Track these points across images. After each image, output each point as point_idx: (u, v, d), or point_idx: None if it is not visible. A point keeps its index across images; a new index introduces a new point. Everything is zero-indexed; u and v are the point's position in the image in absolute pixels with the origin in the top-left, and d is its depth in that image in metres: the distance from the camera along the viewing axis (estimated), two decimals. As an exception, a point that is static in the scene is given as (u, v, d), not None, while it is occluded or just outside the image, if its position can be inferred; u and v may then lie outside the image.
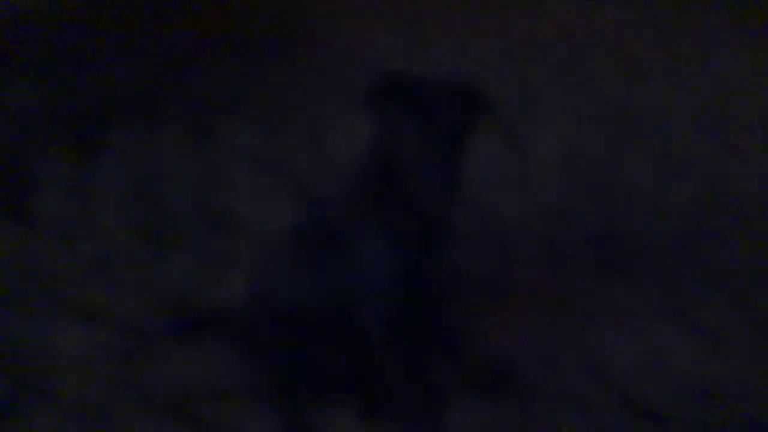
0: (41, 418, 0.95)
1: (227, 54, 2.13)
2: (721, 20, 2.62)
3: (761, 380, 1.04)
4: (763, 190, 1.62)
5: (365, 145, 0.94)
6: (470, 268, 1.29)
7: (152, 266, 1.25)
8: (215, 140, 1.67)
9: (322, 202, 1.02)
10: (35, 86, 1.88)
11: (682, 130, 1.87)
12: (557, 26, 2.53)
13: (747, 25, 2.55)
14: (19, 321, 1.11)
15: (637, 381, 1.04)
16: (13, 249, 1.27)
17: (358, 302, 0.96)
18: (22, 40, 2.13)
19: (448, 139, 0.90)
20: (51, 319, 1.12)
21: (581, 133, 1.84)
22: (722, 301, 1.22)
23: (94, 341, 1.07)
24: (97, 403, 0.97)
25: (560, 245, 1.36)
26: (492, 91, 0.94)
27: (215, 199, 1.46)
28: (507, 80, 2.05)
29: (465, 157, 0.92)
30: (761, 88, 2.11)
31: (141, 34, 2.24)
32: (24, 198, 1.42)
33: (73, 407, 0.96)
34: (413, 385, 0.98)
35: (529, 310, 1.19)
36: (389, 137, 0.91)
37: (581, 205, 1.52)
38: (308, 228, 0.98)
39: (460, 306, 1.14)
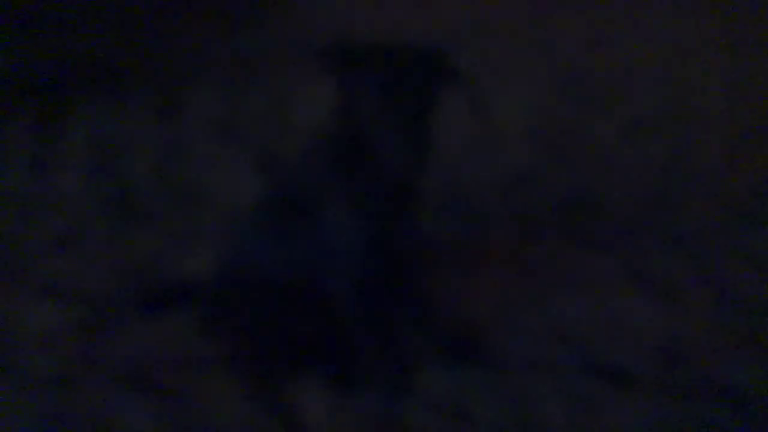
0: (5, 393, 0.95)
1: (192, 22, 2.09)
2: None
3: (719, 340, 1.06)
4: (722, 153, 1.62)
5: (331, 114, 0.94)
6: (437, 234, 1.29)
7: (117, 239, 1.24)
8: (180, 110, 1.65)
9: (289, 172, 1.02)
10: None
11: (644, 95, 1.87)
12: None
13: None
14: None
15: (600, 343, 1.06)
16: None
17: (327, 271, 0.95)
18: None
19: (414, 106, 0.90)
20: (14, 294, 1.11)
21: (547, 99, 1.84)
22: (682, 264, 1.23)
23: (58, 316, 1.07)
24: (62, 378, 0.97)
25: (526, 210, 1.37)
26: (458, 58, 0.94)
27: (180, 170, 1.44)
28: (472, 48, 2.02)
29: (431, 124, 0.92)
30: (721, 53, 2.08)
31: (104, 2, 2.18)
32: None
33: (37, 382, 0.96)
34: (383, 351, 0.98)
35: (496, 275, 1.20)
36: (355, 105, 0.91)
37: (547, 171, 1.53)
38: (274, 198, 0.98)
39: (428, 272, 1.14)
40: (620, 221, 1.38)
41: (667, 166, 1.57)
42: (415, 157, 0.90)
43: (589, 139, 1.68)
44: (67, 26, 2.06)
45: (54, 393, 0.95)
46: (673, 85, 1.93)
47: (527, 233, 1.31)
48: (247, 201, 1.09)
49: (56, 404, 0.94)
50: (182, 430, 0.90)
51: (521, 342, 1.06)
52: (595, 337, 1.07)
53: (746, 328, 1.08)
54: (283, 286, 0.97)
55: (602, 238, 1.32)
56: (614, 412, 0.95)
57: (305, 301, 0.98)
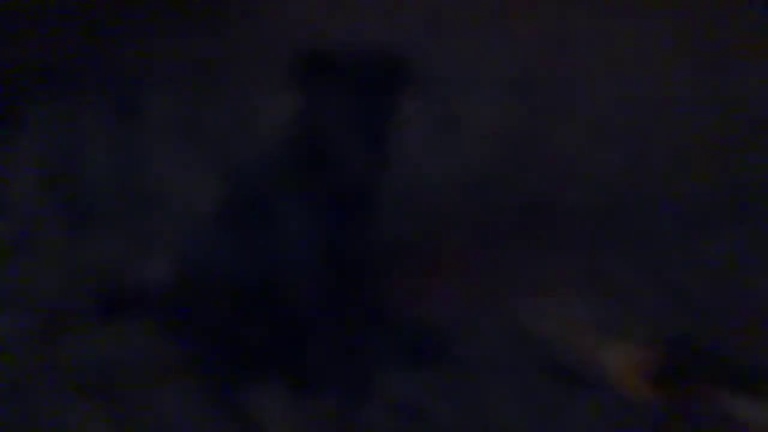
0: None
1: (151, 23, 2.04)
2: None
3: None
4: (681, 159, 1.63)
5: (291, 118, 0.94)
6: (396, 236, 1.29)
7: (74, 246, 1.22)
8: (138, 114, 1.62)
9: (248, 176, 1.02)
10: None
11: (606, 100, 1.88)
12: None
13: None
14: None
15: (558, 347, 1.06)
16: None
17: (286, 276, 0.95)
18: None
19: (375, 109, 0.90)
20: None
21: (510, 102, 1.83)
22: (639, 268, 1.25)
23: (11, 324, 1.05)
24: (16, 386, 0.95)
25: (486, 213, 1.38)
26: (420, 61, 0.95)
27: (138, 174, 1.41)
28: (434, 49, 2.02)
29: (392, 128, 0.93)
30: (686, 58, 2.13)
31: (61, 1, 2.11)
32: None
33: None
34: (341, 354, 0.98)
35: (455, 276, 1.20)
36: (315, 110, 0.91)
37: (507, 174, 1.53)
38: (234, 203, 0.98)
39: (387, 274, 1.15)
40: (580, 224, 1.38)
41: (627, 170, 1.57)
42: (376, 161, 0.91)
43: (549, 142, 1.68)
44: (23, 27, 2.00)
45: (8, 402, 0.94)
46: (637, 88, 1.95)
47: (487, 235, 1.31)
48: (206, 205, 1.07)
49: (11, 413, 0.92)
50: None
51: (480, 343, 1.06)
52: (554, 341, 1.06)
53: (700, 332, 1.07)
54: (241, 292, 0.97)
55: (562, 240, 1.33)
56: (573, 413, 0.95)
57: (263, 305, 0.98)
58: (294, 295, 0.97)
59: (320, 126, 0.92)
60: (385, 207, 1.00)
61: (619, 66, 2.09)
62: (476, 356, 1.04)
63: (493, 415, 0.95)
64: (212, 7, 2.20)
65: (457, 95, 1.82)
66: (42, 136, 1.53)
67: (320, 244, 0.94)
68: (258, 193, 0.98)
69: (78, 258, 1.19)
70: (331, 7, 2.27)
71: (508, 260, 1.24)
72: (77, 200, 1.33)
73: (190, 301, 0.98)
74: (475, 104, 1.80)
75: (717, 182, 1.51)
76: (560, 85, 1.95)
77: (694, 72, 2.04)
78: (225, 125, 1.65)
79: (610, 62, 2.11)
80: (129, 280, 1.14)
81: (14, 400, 0.94)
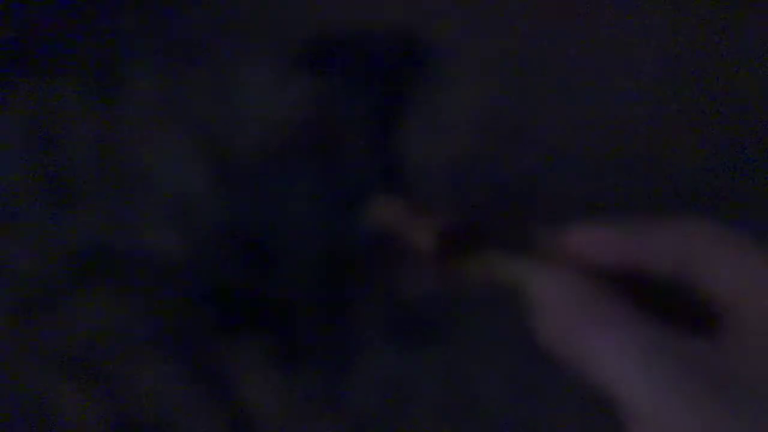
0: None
1: None
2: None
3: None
4: (662, 141, 1.62)
5: (284, 97, 0.92)
6: (388, 216, 1.27)
7: (54, 223, 1.20)
8: (119, 90, 1.57)
9: (237, 156, 1.01)
10: None
11: (592, 83, 1.88)
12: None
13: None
14: None
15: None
16: None
17: (276, 255, 0.94)
18: None
19: (379, 93, 0.88)
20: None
21: (498, 85, 1.82)
22: None
23: None
24: None
25: (473, 193, 1.36)
26: (421, 43, 0.93)
27: (120, 152, 1.39)
28: (423, 33, 2.00)
29: (396, 112, 0.90)
30: (676, 40, 2.11)
31: None
32: None
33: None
34: (329, 333, 0.97)
35: (444, 256, 1.18)
36: (312, 89, 0.89)
37: (492, 155, 1.50)
38: (221, 182, 0.97)
39: (375, 253, 1.11)
40: (563, 206, 1.39)
41: (609, 154, 1.57)
42: (377, 145, 0.89)
43: (536, 125, 1.68)
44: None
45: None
46: (620, 72, 1.94)
47: (473, 213, 1.31)
48: (190, 184, 1.06)
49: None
50: (121, 411, 0.88)
51: (467, 322, 1.05)
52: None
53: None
54: (229, 266, 0.96)
55: (545, 220, 1.32)
56: (560, 395, 0.94)
57: (251, 281, 0.97)
58: (283, 273, 0.95)
59: (317, 107, 0.90)
60: (380, 185, 0.99)
61: (611, 49, 2.14)
62: (464, 334, 1.02)
63: (479, 394, 0.93)
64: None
65: (447, 78, 1.82)
66: (20, 115, 1.49)
67: (312, 226, 0.93)
68: (247, 171, 0.96)
69: (59, 235, 1.17)
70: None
71: (493, 236, 1.22)
72: (58, 179, 1.31)
73: (175, 276, 0.97)
74: (466, 87, 1.79)
75: (703, 163, 1.50)
76: (548, 70, 1.98)
77: (683, 53, 2.06)
78: (212, 102, 1.66)
79: (601, 43, 2.13)
80: (110, 256, 1.12)
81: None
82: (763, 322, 0.24)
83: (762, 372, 0.24)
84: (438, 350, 1.01)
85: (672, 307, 0.27)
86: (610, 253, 0.28)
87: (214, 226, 0.97)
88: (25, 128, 1.52)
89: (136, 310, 1.00)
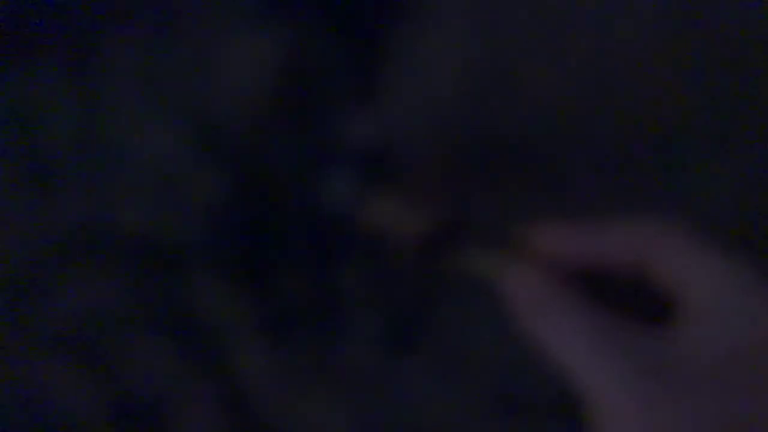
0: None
1: None
2: None
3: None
4: (647, 85, 1.63)
5: (266, 64, 0.91)
6: (378, 177, 1.28)
7: (38, 204, 1.17)
8: (96, 63, 1.58)
9: (219, 129, 1.00)
10: None
11: (578, 39, 1.87)
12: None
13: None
14: None
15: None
16: None
17: (263, 228, 0.92)
18: None
19: (362, 49, 0.87)
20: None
21: (482, 39, 1.80)
22: (606, 197, 1.26)
23: None
24: None
25: (454, 152, 1.36)
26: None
27: (101, 129, 1.34)
28: None
29: (377, 68, 0.90)
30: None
31: None
32: None
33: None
34: (316, 293, 0.95)
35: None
36: (294, 53, 0.88)
37: (477, 110, 1.50)
38: (203, 156, 0.96)
39: (360, 215, 1.13)
40: (548, 160, 1.39)
41: (595, 105, 1.57)
42: (359, 105, 0.88)
43: (521, 81, 1.67)
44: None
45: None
46: (605, 28, 1.93)
47: (455, 169, 1.30)
48: (172, 160, 1.06)
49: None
50: (114, 389, 0.89)
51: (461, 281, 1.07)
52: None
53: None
54: (214, 239, 0.95)
55: (531, 177, 1.33)
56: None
57: (235, 251, 0.98)
58: (273, 246, 0.95)
59: (298, 71, 0.89)
60: (359, 146, 0.98)
61: (592, 9, 2.12)
62: (451, 289, 1.02)
63: (475, 344, 0.93)
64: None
65: (428, 34, 1.81)
66: None
67: (296, 192, 0.93)
68: (230, 145, 0.96)
69: (43, 215, 1.15)
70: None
71: (475, 191, 1.22)
72: (39, 159, 1.30)
73: (162, 251, 0.97)
74: (448, 42, 1.78)
75: (692, 111, 1.50)
76: (533, 24, 1.96)
77: (668, 10, 2.05)
78: (193, 73, 1.63)
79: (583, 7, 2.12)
80: (97, 234, 1.12)
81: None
82: (712, 313, 0.26)
83: (711, 360, 0.25)
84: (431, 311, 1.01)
85: (628, 299, 0.29)
86: (571, 249, 0.29)
87: (199, 200, 0.96)
88: (3, 112, 1.51)
89: (125, 287, 1.00)
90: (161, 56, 1.60)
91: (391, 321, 0.96)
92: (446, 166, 1.31)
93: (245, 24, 1.43)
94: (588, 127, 1.46)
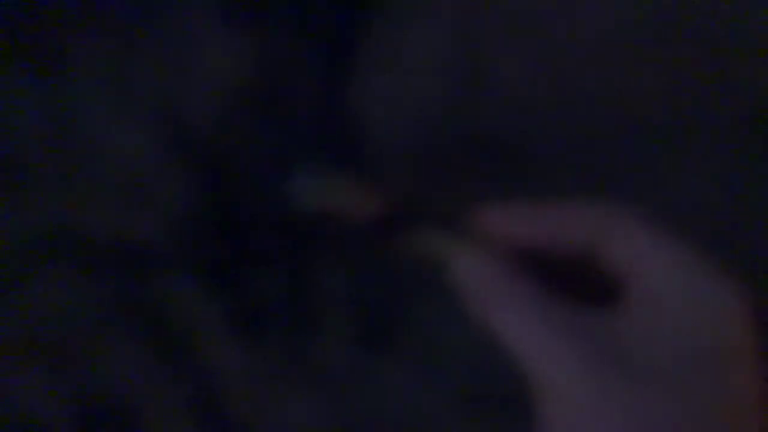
0: None
1: None
2: None
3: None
4: (614, 80, 1.64)
5: (236, 64, 0.90)
6: (356, 176, 1.28)
7: (7, 207, 1.15)
8: (66, 67, 1.57)
9: (188, 129, 0.99)
10: None
11: (557, 29, 1.87)
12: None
13: None
14: None
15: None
16: None
17: (234, 223, 0.92)
18: None
19: (332, 49, 0.87)
20: None
21: (456, 33, 1.80)
22: (597, 196, 1.27)
23: None
24: None
25: (438, 148, 1.36)
26: None
27: (70, 132, 1.33)
28: None
29: (352, 63, 0.90)
30: None
31: None
32: None
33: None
34: (288, 292, 0.95)
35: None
36: (266, 49, 0.87)
37: (455, 106, 1.51)
38: (172, 156, 0.96)
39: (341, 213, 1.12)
40: (534, 157, 1.39)
41: (582, 101, 1.57)
42: (333, 101, 0.88)
43: (498, 73, 1.68)
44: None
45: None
46: (576, 26, 1.93)
47: (440, 172, 1.30)
48: (144, 158, 1.05)
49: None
50: (84, 392, 0.88)
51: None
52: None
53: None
54: (188, 236, 0.94)
55: (516, 174, 1.33)
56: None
57: (207, 251, 0.98)
58: (245, 245, 0.94)
59: (272, 68, 0.89)
60: (343, 149, 0.98)
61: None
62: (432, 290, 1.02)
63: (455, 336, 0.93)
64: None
65: (408, 25, 1.80)
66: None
67: (270, 193, 0.92)
68: (203, 142, 0.95)
69: (13, 218, 1.15)
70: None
71: (457, 188, 1.23)
72: (8, 160, 1.29)
73: (134, 253, 0.96)
74: (422, 36, 1.78)
75: (658, 106, 1.52)
76: (505, 16, 1.96)
77: (636, 7, 2.06)
78: (164, 70, 1.61)
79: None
80: (68, 237, 1.10)
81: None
82: (661, 298, 0.26)
83: (659, 345, 0.26)
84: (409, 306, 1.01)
85: (579, 283, 0.29)
86: (521, 233, 0.30)
87: (169, 200, 0.96)
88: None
89: (94, 289, 0.99)
90: (131, 58, 1.59)
91: (364, 319, 0.96)
92: (415, 154, 1.31)
93: (215, 25, 1.42)
94: (557, 121, 1.47)
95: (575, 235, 0.29)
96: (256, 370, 0.92)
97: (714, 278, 0.26)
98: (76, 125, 1.36)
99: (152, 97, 1.45)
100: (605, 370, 0.25)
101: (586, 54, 1.70)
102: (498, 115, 1.50)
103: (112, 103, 1.42)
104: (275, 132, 0.92)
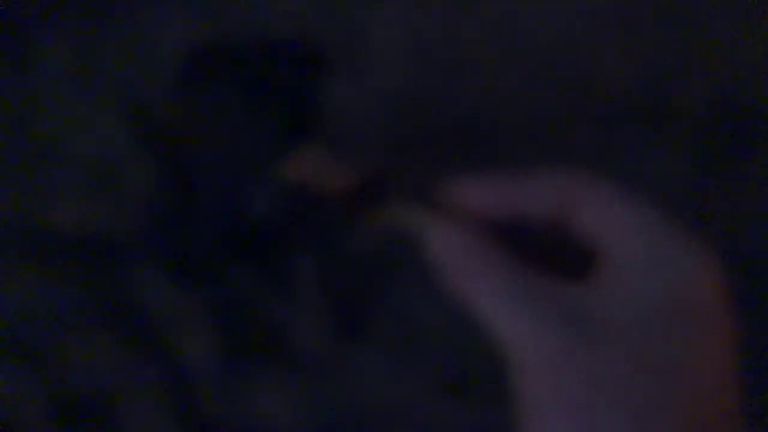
0: None
1: None
2: None
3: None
4: (600, 60, 1.64)
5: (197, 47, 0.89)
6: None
7: None
8: (28, 56, 1.55)
9: (153, 120, 0.97)
10: None
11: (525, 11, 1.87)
12: None
13: None
14: None
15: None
16: None
17: (198, 219, 0.91)
18: None
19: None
20: None
21: (425, 19, 1.80)
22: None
23: None
24: None
25: (412, 134, 1.36)
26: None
27: (34, 125, 1.31)
28: None
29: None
30: None
31: None
32: None
33: None
34: (263, 280, 0.93)
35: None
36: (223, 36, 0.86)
37: (429, 92, 1.51)
38: (139, 148, 0.94)
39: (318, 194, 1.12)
40: (509, 139, 1.39)
41: (552, 82, 1.58)
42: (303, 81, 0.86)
43: (473, 58, 1.68)
44: None
45: None
46: (549, 13, 1.93)
47: (416, 157, 1.30)
48: (107, 153, 1.03)
49: None
50: (61, 389, 0.87)
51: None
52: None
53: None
54: (152, 232, 0.93)
55: (491, 156, 1.33)
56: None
57: (174, 242, 0.97)
58: (213, 235, 0.93)
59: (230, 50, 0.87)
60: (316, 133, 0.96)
61: None
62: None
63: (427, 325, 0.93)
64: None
65: (374, 21, 1.79)
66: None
67: (239, 181, 0.91)
68: (165, 136, 0.94)
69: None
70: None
71: (441, 180, 1.22)
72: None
73: (99, 246, 0.95)
74: (392, 25, 1.77)
75: (634, 81, 1.52)
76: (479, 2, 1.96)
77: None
78: (125, 64, 1.59)
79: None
80: (33, 230, 1.08)
81: None
82: (632, 266, 0.26)
83: (629, 313, 0.26)
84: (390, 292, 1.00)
85: (550, 252, 0.29)
86: (492, 203, 0.30)
87: (137, 192, 0.94)
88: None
89: (65, 284, 0.98)
90: (94, 48, 1.56)
91: (339, 306, 0.96)
92: (386, 131, 1.30)
93: (176, 14, 1.40)
94: (530, 107, 1.47)
95: (545, 203, 0.29)
96: (230, 358, 0.91)
97: (680, 241, 0.26)
98: (43, 118, 1.34)
99: (116, 87, 1.43)
100: (573, 338, 0.25)
101: (556, 40, 1.71)
102: (471, 99, 1.50)
103: (78, 96, 1.40)
104: (243, 116, 0.91)
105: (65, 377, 0.88)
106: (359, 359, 0.92)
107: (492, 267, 0.27)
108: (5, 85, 1.46)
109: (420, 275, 1.01)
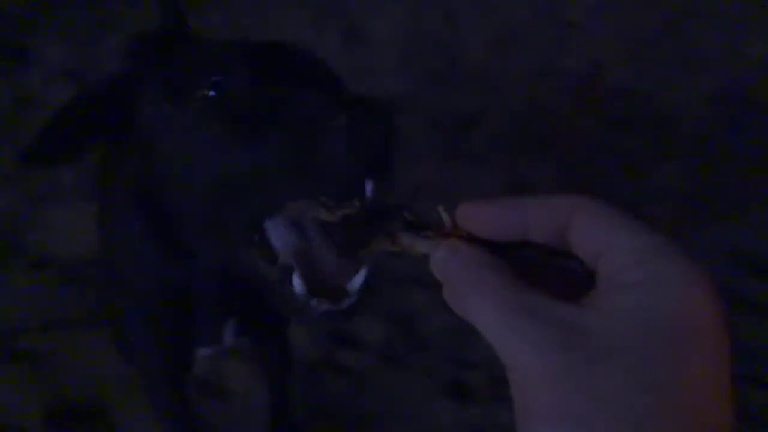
0: None
1: None
2: None
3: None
4: (589, 61, 1.64)
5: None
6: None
7: None
8: (25, 59, 1.54)
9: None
10: None
11: (514, 9, 1.88)
12: None
13: None
14: None
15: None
16: None
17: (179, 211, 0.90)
18: None
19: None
20: None
21: (418, 17, 1.84)
22: (556, 171, 1.29)
23: None
24: None
25: (406, 131, 1.37)
26: None
27: (30, 126, 1.34)
28: None
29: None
30: None
31: None
32: None
33: None
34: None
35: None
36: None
37: (420, 89, 1.54)
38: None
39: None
40: (496, 134, 1.40)
41: (538, 78, 1.58)
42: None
43: (460, 55, 1.68)
44: None
45: None
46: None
47: (408, 152, 1.30)
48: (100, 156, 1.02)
49: None
50: (52, 394, 0.86)
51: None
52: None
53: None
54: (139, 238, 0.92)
55: (479, 151, 1.34)
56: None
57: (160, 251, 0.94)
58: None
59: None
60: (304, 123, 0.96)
61: None
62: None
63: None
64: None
65: (369, 14, 1.81)
66: None
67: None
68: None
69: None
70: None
71: (432, 174, 1.24)
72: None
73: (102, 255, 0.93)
74: (386, 21, 1.79)
75: (626, 79, 1.52)
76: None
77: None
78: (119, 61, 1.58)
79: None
80: (26, 238, 1.08)
81: None
82: (628, 285, 0.27)
83: (625, 330, 0.26)
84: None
85: (550, 273, 0.30)
86: (494, 228, 0.30)
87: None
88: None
89: (58, 288, 0.97)
90: (88, 54, 1.56)
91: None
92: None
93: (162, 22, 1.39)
94: (508, 94, 1.46)
95: (545, 227, 0.29)
96: (227, 369, 0.90)
97: (676, 262, 0.26)
98: (36, 116, 1.33)
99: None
100: (572, 354, 0.25)
101: (536, 33, 1.70)
102: (459, 94, 1.50)
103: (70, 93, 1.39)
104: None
105: (60, 379, 0.87)
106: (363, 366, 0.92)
107: (494, 286, 0.28)
108: (5, 84, 1.46)
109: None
